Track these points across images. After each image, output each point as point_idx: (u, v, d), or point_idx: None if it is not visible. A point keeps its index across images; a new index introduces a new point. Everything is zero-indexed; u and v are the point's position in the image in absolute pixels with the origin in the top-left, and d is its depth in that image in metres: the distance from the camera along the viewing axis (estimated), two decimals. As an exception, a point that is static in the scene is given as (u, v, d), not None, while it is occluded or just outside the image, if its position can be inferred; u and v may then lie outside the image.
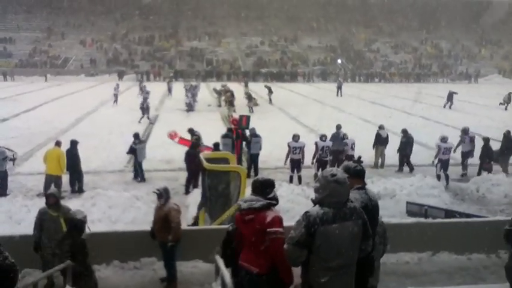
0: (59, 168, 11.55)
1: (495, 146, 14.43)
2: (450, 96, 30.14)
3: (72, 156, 12.16)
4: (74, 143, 12.40)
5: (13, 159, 12.65)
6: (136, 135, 13.79)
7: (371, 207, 4.24)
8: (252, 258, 4.29)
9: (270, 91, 31.39)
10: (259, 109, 27.78)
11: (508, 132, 14.62)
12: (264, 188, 4.42)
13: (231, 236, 4.85)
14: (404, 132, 14.83)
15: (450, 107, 29.80)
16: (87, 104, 28.61)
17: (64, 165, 11.67)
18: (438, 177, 12.96)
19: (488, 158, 13.88)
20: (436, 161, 13.34)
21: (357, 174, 4.47)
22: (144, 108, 23.41)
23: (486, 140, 13.99)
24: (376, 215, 4.41)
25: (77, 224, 6.27)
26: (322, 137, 13.34)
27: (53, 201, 6.85)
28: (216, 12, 67.96)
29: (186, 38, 62.76)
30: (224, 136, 13.63)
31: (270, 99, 31.19)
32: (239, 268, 4.49)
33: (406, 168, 14.57)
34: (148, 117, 23.37)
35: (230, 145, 13.32)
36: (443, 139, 13.26)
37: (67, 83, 45.33)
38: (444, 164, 13.08)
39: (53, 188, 7.50)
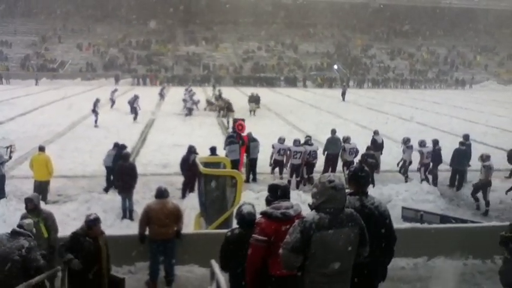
0: (48, 173, 11.53)
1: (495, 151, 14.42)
2: None
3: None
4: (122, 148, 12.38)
5: (9, 159, 12.43)
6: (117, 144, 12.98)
7: (363, 214, 4.04)
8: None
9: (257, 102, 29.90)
10: (256, 114, 27.81)
11: (467, 137, 14.35)
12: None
13: (231, 242, 4.74)
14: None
15: None
16: (84, 107, 28.51)
17: (52, 169, 11.62)
18: (425, 180, 13.14)
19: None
20: (419, 166, 13.48)
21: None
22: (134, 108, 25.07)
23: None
24: (375, 223, 4.19)
25: None
26: (308, 141, 13.64)
27: (32, 206, 6.71)
28: (214, 18, 68.06)
29: (183, 43, 62.83)
30: (230, 143, 13.33)
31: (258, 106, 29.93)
32: (277, 279, 4.19)
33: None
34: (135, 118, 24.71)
35: (238, 151, 13.16)
36: (422, 143, 13.53)
37: (63, 86, 45.19)
38: (427, 167, 13.44)
39: (32, 194, 7.33)
